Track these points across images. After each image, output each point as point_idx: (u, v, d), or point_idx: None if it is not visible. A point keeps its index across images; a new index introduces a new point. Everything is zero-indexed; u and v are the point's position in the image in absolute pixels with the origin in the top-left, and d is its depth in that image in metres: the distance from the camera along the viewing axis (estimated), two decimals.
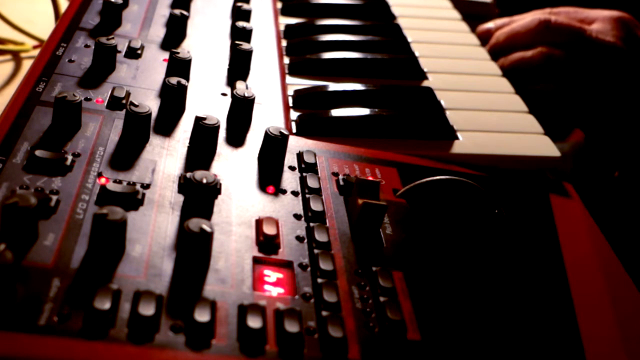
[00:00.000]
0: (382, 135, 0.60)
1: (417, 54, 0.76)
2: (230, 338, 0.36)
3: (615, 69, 0.73)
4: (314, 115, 0.61)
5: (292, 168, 0.51)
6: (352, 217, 0.47)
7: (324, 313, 0.38)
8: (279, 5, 0.83)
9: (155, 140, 0.50)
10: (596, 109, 0.75)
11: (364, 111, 0.61)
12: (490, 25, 0.84)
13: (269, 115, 0.58)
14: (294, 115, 0.61)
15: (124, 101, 0.53)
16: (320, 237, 0.44)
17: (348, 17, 0.83)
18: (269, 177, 0.49)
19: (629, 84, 0.73)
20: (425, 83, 0.71)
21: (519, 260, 0.50)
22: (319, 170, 0.51)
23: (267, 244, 0.43)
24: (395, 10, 0.87)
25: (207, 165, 0.49)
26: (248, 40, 0.67)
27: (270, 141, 0.51)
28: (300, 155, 0.52)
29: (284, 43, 0.74)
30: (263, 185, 0.48)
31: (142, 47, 0.62)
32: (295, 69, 0.69)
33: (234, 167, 0.49)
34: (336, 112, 0.61)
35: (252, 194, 0.47)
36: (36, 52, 0.73)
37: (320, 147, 0.55)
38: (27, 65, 0.82)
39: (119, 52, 0.60)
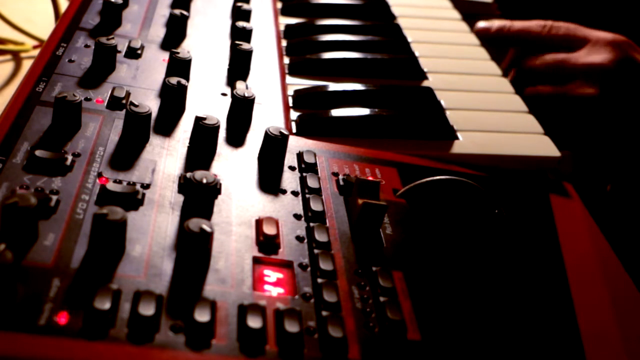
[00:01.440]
0: (382, 135, 0.60)
1: (417, 54, 0.76)
2: (230, 338, 0.36)
3: (605, 89, 0.73)
4: (314, 115, 0.61)
5: (292, 168, 0.51)
6: (352, 217, 0.47)
7: (324, 313, 0.38)
8: (279, 5, 0.83)
9: (155, 140, 0.50)
10: (586, 130, 0.76)
11: (364, 111, 0.61)
12: None
13: (269, 115, 0.58)
14: (294, 115, 0.61)
15: (124, 101, 0.53)
16: (320, 237, 0.44)
17: (348, 17, 0.83)
18: (269, 177, 0.49)
19: (621, 105, 0.73)
20: (425, 83, 0.71)
21: (519, 260, 0.50)
22: (319, 170, 0.51)
23: (267, 244, 0.43)
24: (395, 10, 0.87)
25: (207, 165, 0.49)
26: (248, 40, 0.67)
27: (270, 141, 0.51)
28: (300, 155, 0.52)
29: (284, 43, 0.74)
30: (263, 185, 0.48)
31: (142, 47, 0.62)
32: (295, 69, 0.69)
33: (234, 167, 0.49)
34: (336, 112, 0.61)
35: (252, 194, 0.47)
36: (36, 52, 0.73)
37: (320, 147, 0.55)
38: (27, 65, 0.82)
39: (119, 52, 0.60)
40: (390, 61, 0.72)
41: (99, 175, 0.44)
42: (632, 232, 0.73)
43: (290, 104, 0.63)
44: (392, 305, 0.40)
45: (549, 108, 0.73)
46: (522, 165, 0.61)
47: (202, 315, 0.36)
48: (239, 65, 0.62)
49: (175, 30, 0.66)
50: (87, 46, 0.59)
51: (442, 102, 0.66)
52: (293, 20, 0.81)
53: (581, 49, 0.76)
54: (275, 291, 0.40)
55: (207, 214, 0.44)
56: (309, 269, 0.42)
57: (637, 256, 0.60)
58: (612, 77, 0.72)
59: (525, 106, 0.68)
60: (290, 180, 0.50)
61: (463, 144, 0.61)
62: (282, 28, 0.78)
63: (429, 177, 0.52)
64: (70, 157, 0.45)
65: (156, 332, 0.35)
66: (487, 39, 0.84)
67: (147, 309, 0.35)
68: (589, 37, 0.76)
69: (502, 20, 0.85)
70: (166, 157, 0.48)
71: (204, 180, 0.43)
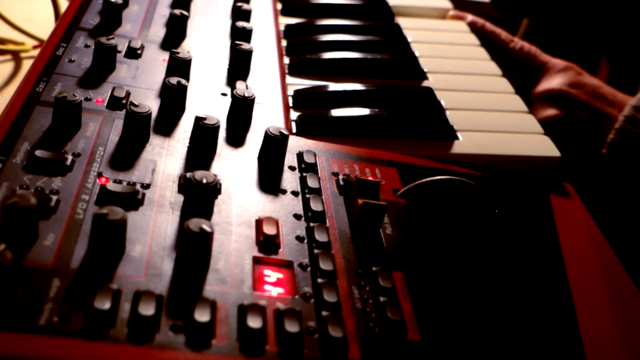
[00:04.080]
0: (382, 135, 0.60)
1: (417, 54, 0.76)
2: (230, 338, 0.36)
3: (566, 109, 0.76)
4: (314, 115, 0.61)
5: (292, 168, 0.51)
6: (352, 217, 0.47)
7: (324, 313, 0.38)
8: (279, 5, 0.83)
9: (155, 140, 0.50)
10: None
11: (364, 111, 0.61)
12: None
13: (269, 115, 0.58)
14: (294, 115, 0.61)
15: (124, 101, 0.53)
16: (320, 237, 0.44)
17: (348, 17, 0.83)
18: (269, 177, 0.49)
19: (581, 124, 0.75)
20: (425, 83, 0.71)
21: (519, 260, 0.50)
22: (319, 170, 0.51)
23: (267, 244, 0.43)
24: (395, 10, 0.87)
25: (207, 165, 0.49)
26: (248, 40, 0.67)
27: (270, 141, 0.51)
28: (300, 155, 0.52)
29: (284, 43, 0.74)
30: (263, 185, 0.48)
31: (142, 47, 0.62)
32: (295, 69, 0.69)
33: (234, 167, 0.49)
34: (336, 112, 0.61)
35: (252, 194, 0.47)
36: (36, 52, 0.73)
37: (320, 147, 0.55)
38: (27, 65, 0.82)
39: (119, 52, 0.60)
40: (390, 61, 0.72)
41: (99, 175, 0.44)
42: (632, 231, 0.73)
43: (290, 104, 0.63)
44: (392, 305, 0.40)
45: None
46: (522, 165, 0.61)
47: (202, 315, 0.36)
48: (239, 65, 0.62)
49: (175, 30, 0.66)
50: (87, 46, 0.59)
51: (442, 102, 0.66)
52: (293, 20, 0.81)
53: (538, 81, 0.80)
54: (275, 291, 0.40)
55: (207, 214, 0.44)
56: (309, 269, 0.42)
57: (637, 256, 0.60)
58: (567, 98, 0.76)
59: (525, 106, 0.69)
60: (290, 180, 0.50)
61: (463, 144, 0.61)
62: (282, 28, 0.78)
63: (429, 177, 0.52)
64: (70, 157, 0.45)
65: (156, 332, 0.35)
66: None
67: (147, 309, 0.35)
68: (546, 62, 0.81)
69: (474, 16, 0.87)
70: (166, 157, 0.48)
71: (204, 180, 0.43)
